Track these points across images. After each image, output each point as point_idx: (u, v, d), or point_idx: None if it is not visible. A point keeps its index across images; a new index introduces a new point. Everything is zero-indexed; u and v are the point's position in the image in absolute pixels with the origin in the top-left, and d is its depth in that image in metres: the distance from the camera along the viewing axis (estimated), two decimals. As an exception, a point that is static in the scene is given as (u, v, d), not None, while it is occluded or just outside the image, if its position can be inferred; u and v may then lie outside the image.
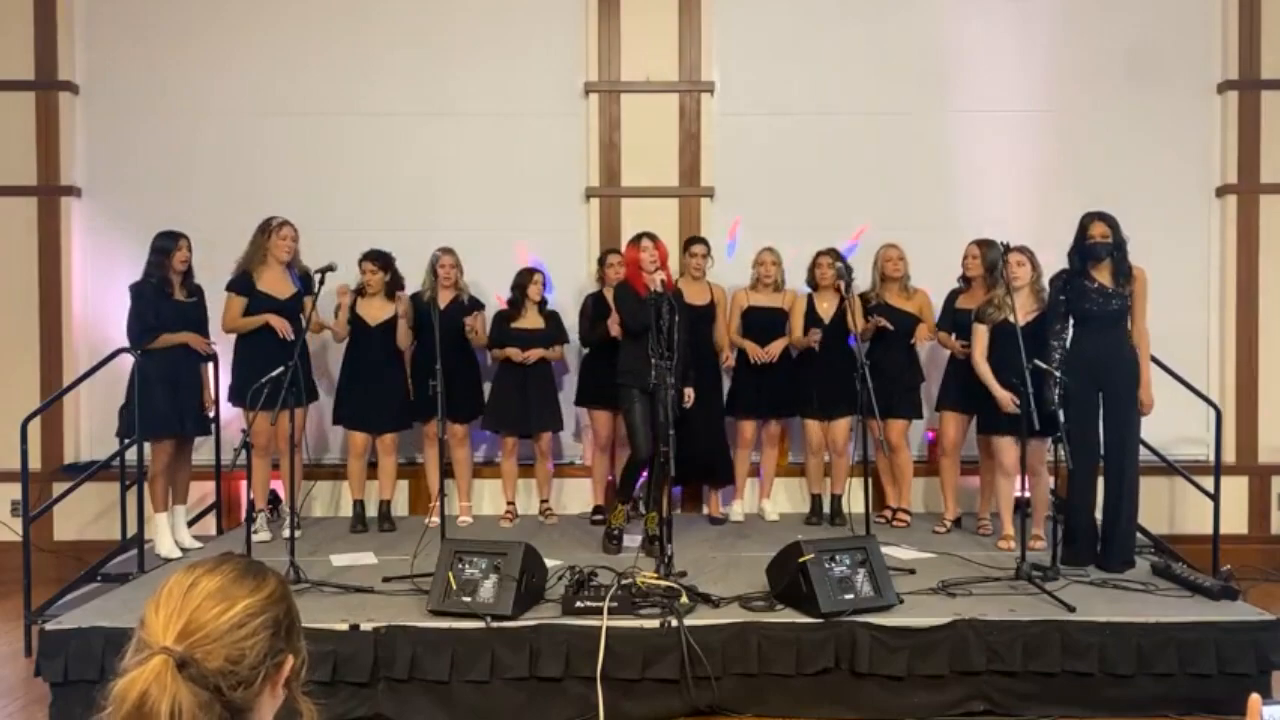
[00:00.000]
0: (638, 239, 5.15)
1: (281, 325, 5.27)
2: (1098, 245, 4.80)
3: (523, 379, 5.68)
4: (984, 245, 5.38)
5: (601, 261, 5.88)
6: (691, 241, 5.87)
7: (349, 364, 5.63)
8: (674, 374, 4.86)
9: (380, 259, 5.57)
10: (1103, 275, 4.84)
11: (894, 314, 5.57)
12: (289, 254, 5.44)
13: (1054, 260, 5.08)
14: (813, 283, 5.69)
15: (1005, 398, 4.92)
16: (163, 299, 5.22)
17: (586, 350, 5.89)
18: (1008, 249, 4.83)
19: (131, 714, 1.10)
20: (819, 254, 5.67)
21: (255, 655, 1.18)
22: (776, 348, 5.65)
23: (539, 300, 5.78)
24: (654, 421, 5.03)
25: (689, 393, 5.15)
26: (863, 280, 5.70)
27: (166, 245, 5.24)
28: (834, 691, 3.84)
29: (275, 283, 5.43)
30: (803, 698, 3.83)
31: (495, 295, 5.97)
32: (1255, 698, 1.43)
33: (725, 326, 5.82)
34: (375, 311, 5.58)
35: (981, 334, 5.12)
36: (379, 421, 5.64)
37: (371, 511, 5.73)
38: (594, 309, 5.74)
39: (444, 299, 5.67)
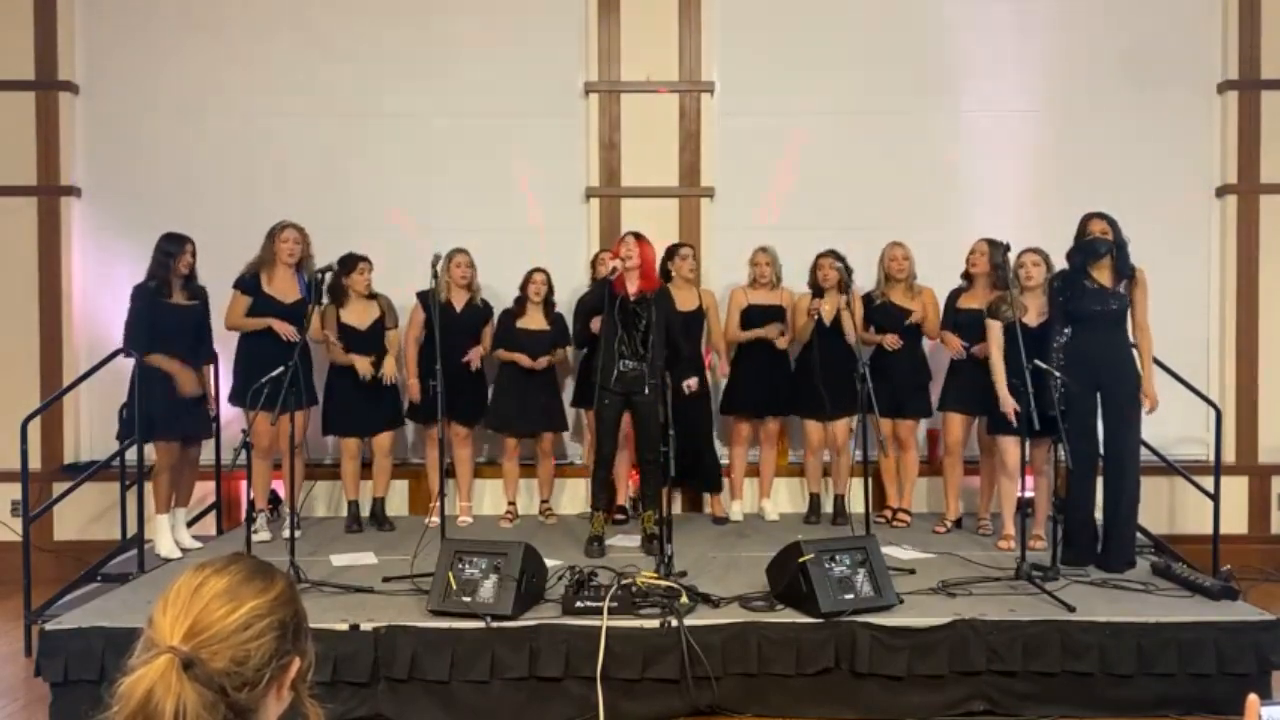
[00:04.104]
0: (624, 236, 5.25)
1: (284, 328, 5.26)
2: (1097, 241, 4.80)
3: (525, 379, 5.68)
4: (991, 244, 5.37)
5: (593, 263, 5.88)
6: (676, 247, 5.87)
7: (337, 368, 5.58)
8: (652, 375, 4.98)
9: (368, 260, 5.57)
10: (1102, 275, 4.84)
11: (898, 313, 5.59)
12: (291, 256, 5.43)
13: (1054, 261, 5.08)
14: (815, 285, 5.69)
15: (1009, 403, 4.93)
16: (159, 303, 5.22)
17: (584, 350, 5.89)
18: (1008, 249, 4.82)
19: (136, 712, 1.10)
20: (819, 256, 5.67)
21: (261, 657, 1.18)
22: (782, 341, 5.67)
23: (540, 300, 5.77)
24: (640, 425, 5.15)
25: (693, 382, 5.21)
26: (868, 279, 5.72)
27: (171, 249, 5.23)
28: (834, 691, 3.84)
29: (282, 286, 5.43)
30: (803, 698, 3.83)
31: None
32: (1253, 698, 1.43)
33: (719, 333, 5.82)
34: (361, 315, 5.57)
35: (996, 330, 5.07)
36: (370, 424, 5.62)
37: (366, 511, 5.72)
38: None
39: (459, 300, 5.68)
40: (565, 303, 6.01)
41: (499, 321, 5.79)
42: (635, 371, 5.05)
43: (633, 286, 5.10)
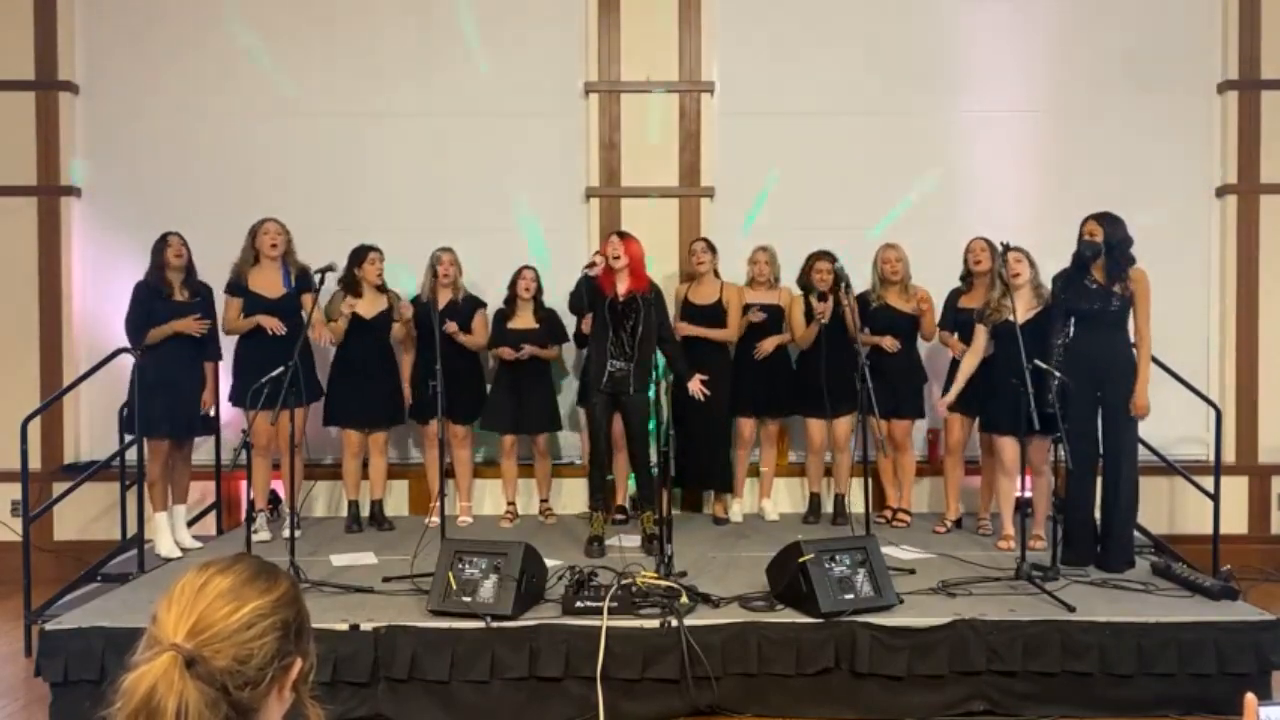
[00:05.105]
0: (609, 236, 5.24)
1: (271, 323, 5.29)
2: (1082, 245, 4.84)
3: (517, 379, 5.68)
4: (990, 243, 5.36)
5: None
6: (692, 242, 5.91)
7: (341, 359, 5.60)
8: (641, 375, 4.97)
9: (379, 250, 5.57)
10: (1101, 275, 4.85)
11: (894, 315, 5.58)
12: (275, 249, 5.44)
13: (1054, 261, 5.08)
14: (809, 286, 5.67)
15: (946, 405, 5.23)
16: (157, 299, 5.25)
17: (585, 349, 5.89)
18: (1006, 248, 4.83)
19: (139, 709, 1.11)
20: (815, 259, 5.66)
21: (263, 656, 1.19)
22: (769, 345, 5.65)
23: (530, 298, 5.75)
24: (628, 426, 5.14)
25: (695, 382, 5.05)
26: (866, 280, 5.72)
27: (158, 245, 5.32)
28: (834, 691, 3.85)
29: (266, 282, 5.45)
30: (803, 698, 3.84)
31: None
32: (1250, 697, 1.42)
33: (735, 323, 5.76)
34: (368, 306, 5.56)
35: (981, 335, 5.13)
36: (370, 418, 5.61)
37: (365, 512, 5.71)
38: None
39: (443, 298, 5.67)
40: (564, 302, 6.01)
41: (493, 321, 5.79)
42: (622, 372, 5.06)
43: (622, 286, 5.10)
